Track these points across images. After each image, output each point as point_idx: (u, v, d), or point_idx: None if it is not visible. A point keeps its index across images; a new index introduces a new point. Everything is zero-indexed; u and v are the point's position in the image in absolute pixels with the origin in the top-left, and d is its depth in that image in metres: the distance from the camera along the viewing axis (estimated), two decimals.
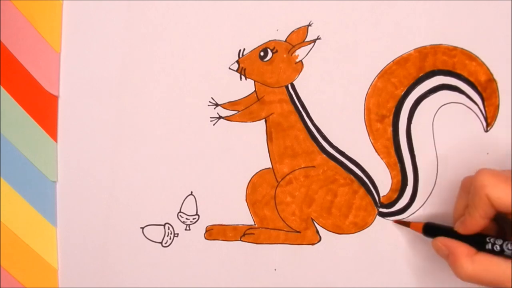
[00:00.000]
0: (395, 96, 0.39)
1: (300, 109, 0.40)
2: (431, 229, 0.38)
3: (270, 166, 0.41)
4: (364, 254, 0.41)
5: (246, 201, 0.42)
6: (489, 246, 0.33)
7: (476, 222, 0.34)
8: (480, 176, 0.33)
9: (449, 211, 0.40)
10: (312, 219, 0.41)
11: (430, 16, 0.38)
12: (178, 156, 0.41)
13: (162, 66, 0.40)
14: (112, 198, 0.42)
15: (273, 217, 0.42)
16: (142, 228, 0.43)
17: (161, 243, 0.43)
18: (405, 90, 0.39)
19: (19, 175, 0.42)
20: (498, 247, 0.33)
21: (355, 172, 0.40)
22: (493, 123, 0.39)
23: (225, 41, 0.39)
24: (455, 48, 0.38)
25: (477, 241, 0.34)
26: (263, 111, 0.40)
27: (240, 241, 0.42)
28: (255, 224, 0.42)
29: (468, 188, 0.35)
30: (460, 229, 0.35)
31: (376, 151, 0.40)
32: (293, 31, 0.39)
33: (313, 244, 0.42)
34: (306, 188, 0.41)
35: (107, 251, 0.43)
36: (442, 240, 0.36)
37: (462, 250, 0.34)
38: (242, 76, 0.40)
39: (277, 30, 0.39)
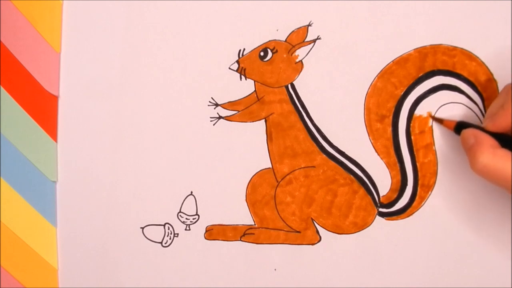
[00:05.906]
0: (395, 96, 0.39)
1: (300, 109, 0.40)
2: (462, 127, 0.37)
3: (270, 166, 0.41)
4: (364, 254, 0.41)
5: (246, 201, 0.42)
6: None
7: (506, 117, 0.34)
8: None
9: (449, 210, 0.40)
10: (312, 219, 0.41)
11: (430, 16, 0.38)
12: (178, 156, 0.41)
13: (162, 66, 0.40)
14: (112, 198, 0.42)
15: (273, 217, 0.42)
16: (142, 228, 0.43)
17: (161, 243, 0.43)
18: (405, 90, 0.39)
19: (19, 175, 0.42)
20: None
21: (355, 172, 0.40)
22: None
23: (225, 41, 0.39)
24: (455, 48, 0.38)
25: (503, 140, 0.34)
26: (263, 111, 0.40)
27: (240, 241, 0.42)
28: (255, 224, 0.42)
29: (509, 89, 0.35)
30: (489, 125, 0.35)
31: (376, 151, 0.40)
32: (293, 31, 0.39)
33: (313, 244, 0.42)
34: (306, 188, 0.41)
35: (107, 251, 0.43)
36: (471, 130, 0.35)
37: (487, 140, 0.34)
38: (242, 76, 0.40)
39: (277, 30, 0.39)
